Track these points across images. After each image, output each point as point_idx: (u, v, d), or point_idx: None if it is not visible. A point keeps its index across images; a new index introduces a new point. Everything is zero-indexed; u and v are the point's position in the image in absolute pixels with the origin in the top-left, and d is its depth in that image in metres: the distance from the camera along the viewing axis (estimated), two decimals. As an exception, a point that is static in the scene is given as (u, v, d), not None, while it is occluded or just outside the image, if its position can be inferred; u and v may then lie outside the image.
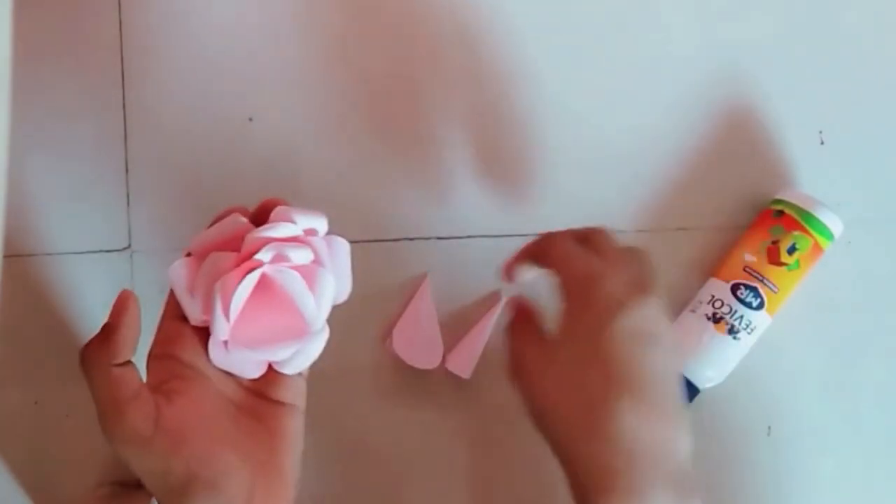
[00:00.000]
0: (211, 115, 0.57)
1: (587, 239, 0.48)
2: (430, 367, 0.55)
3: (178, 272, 0.44)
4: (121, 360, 0.41)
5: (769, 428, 0.58)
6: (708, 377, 0.55)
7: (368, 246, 0.56)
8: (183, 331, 0.44)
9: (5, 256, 0.53)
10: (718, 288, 0.56)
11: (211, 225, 0.45)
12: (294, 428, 0.45)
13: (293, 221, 0.44)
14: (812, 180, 0.57)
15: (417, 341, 0.56)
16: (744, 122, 0.60)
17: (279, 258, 0.43)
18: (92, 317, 0.54)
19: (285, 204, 0.45)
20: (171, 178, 0.56)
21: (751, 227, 0.57)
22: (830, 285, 0.59)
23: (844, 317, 0.59)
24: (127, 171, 0.56)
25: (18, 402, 0.54)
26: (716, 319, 0.55)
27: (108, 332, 0.40)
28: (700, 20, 0.60)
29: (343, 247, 0.47)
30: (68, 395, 0.53)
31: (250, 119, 0.57)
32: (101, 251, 0.55)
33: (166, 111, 0.56)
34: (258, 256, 0.43)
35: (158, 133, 0.56)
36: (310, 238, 0.45)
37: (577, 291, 0.46)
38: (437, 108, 0.58)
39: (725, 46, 0.60)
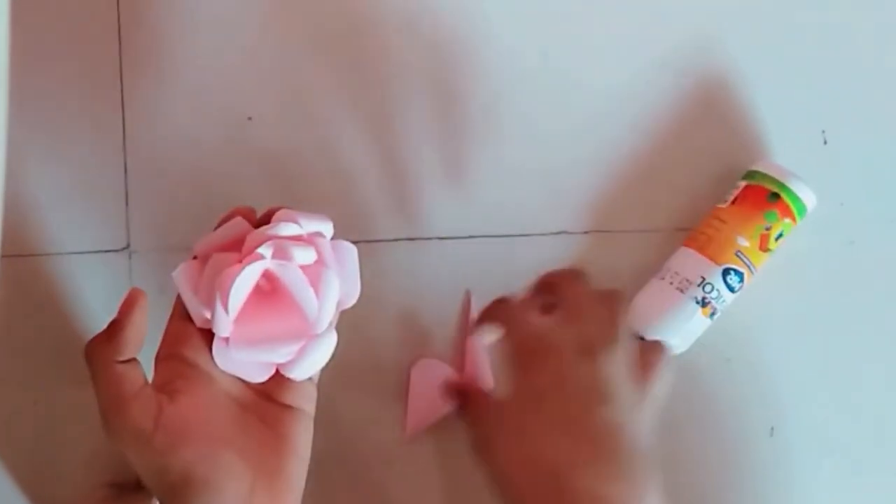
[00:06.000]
0: (211, 115, 0.57)
1: (552, 287, 0.48)
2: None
3: (183, 274, 0.44)
4: (125, 357, 0.41)
5: (772, 429, 0.58)
6: (674, 345, 0.54)
7: (368, 246, 0.56)
8: (189, 331, 0.44)
9: (4, 256, 0.53)
10: (709, 271, 0.54)
11: (216, 228, 0.46)
12: (300, 432, 0.45)
13: (296, 222, 0.44)
14: (815, 180, 0.57)
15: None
16: (745, 122, 0.59)
17: (280, 254, 0.43)
18: (91, 317, 0.54)
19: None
20: (170, 178, 0.56)
21: (742, 204, 0.55)
22: (833, 286, 0.59)
23: (848, 317, 0.59)
24: (126, 171, 0.56)
25: (17, 402, 0.54)
26: (704, 303, 0.54)
27: (115, 328, 0.41)
28: (701, 20, 0.60)
29: (350, 252, 0.46)
30: (67, 396, 0.53)
31: (250, 119, 0.57)
32: (99, 251, 0.55)
33: (165, 111, 0.56)
34: (259, 251, 0.42)
35: (157, 133, 0.56)
36: (314, 239, 0.45)
37: (524, 357, 0.45)
38: (439, 109, 0.58)
39: (725, 46, 0.60)
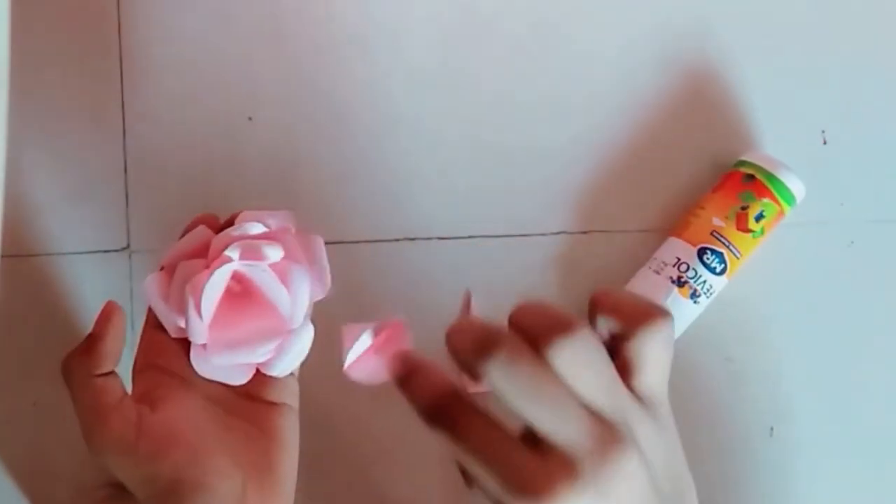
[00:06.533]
0: (211, 115, 0.57)
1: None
2: None
3: (152, 286, 0.44)
4: (104, 370, 0.41)
5: (772, 429, 0.58)
6: None
7: (368, 246, 0.56)
8: (164, 340, 0.44)
9: (4, 256, 0.53)
10: (684, 251, 0.55)
11: (180, 237, 0.46)
12: (287, 427, 0.45)
13: (259, 221, 0.44)
14: (815, 181, 0.57)
15: None
16: (745, 122, 0.59)
17: (248, 254, 0.43)
18: (91, 317, 0.54)
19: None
20: (170, 178, 0.56)
21: (718, 189, 0.56)
22: (833, 286, 0.59)
23: (847, 318, 0.59)
24: (126, 170, 0.56)
25: (17, 403, 0.54)
26: (680, 283, 0.54)
27: (92, 342, 0.41)
28: (701, 21, 0.60)
29: (316, 243, 0.46)
30: (67, 397, 0.53)
31: (250, 118, 0.57)
32: (99, 251, 0.55)
33: (165, 110, 0.56)
34: (226, 253, 0.43)
35: (157, 132, 0.56)
36: (279, 235, 0.45)
37: None
38: (438, 108, 0.58)
39: (725, 48, 0.60)
